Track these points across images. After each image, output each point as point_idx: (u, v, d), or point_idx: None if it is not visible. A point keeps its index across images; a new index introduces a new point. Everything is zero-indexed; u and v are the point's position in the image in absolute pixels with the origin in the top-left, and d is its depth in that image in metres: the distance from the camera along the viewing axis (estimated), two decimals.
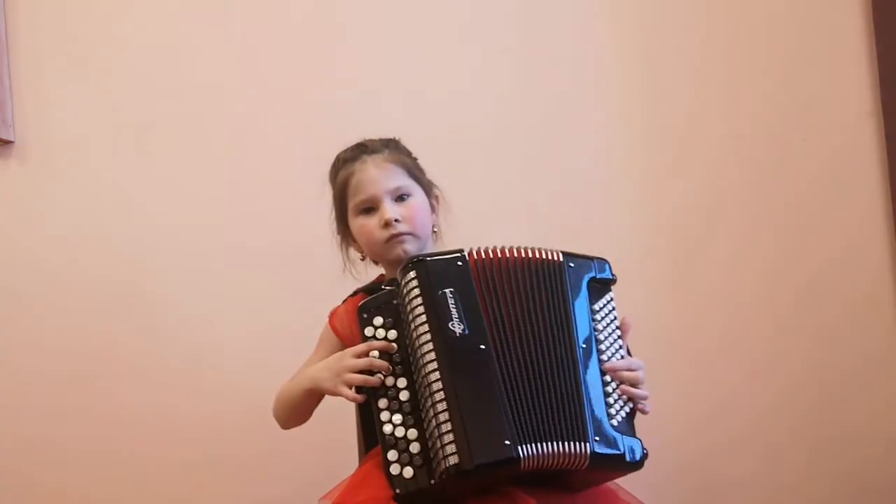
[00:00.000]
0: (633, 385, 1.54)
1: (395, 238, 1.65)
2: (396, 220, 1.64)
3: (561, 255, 1.57)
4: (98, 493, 2.25)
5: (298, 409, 1.68)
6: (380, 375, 1.50)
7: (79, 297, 2.29)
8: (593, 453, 1.43)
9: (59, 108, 2.33)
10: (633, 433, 1.51)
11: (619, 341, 1.58)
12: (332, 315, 1.72)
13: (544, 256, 1.56)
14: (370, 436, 1.66)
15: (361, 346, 1.53)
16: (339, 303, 1.73)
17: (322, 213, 2.21)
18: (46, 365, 2.28)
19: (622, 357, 1.56)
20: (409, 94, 2.26)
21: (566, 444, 1.42)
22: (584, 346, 1.51)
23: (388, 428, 1.48)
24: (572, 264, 1.56)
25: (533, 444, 1.41)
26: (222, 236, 2.28)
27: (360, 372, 1.51)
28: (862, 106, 2.17)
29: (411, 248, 1.65)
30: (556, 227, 2.20)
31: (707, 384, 2.19)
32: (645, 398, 1.54)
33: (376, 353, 1.52)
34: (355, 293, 1.71)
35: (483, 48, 2.27)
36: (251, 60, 2.31)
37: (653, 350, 2.15)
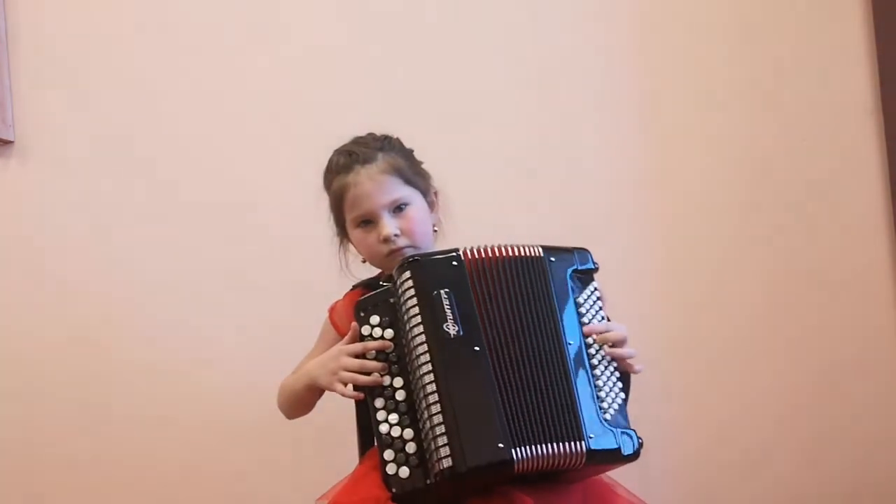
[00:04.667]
0: (618, 345, 1.53)
1: (395, 252, 1.63)
2: (396, 235, 1.63)
3: (541, 251, 1.54)
4: (97, 493, 2.25)
5: (299, 402, 1.69)
6: (375, 375, 1.50)
7: (79, 296, 2.29)
8: (589, 450, 1.43)
9: (59, 109, 2.33)
10: (626, 424, 1.49)
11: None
12: (332, 310, 1.72)
13: (525, 253, 1.53)
14: (366, 436, 1.67)
15: (357, 346, 1.52)
16: (340, 297, 1.73)
17: (320, 213, 2.23)
18: (46, 365, 2.28)
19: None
20: (409, 93, 2.26)
21: (562, 444, 1.42)
22: (571, 342, 1.49)
23: (384, 427, 1.47)
24: (553, 258, 1.54)
25: (528, 447, 1.41)
26: (223, 236, 2.28)
27: (356, 371, 1.51)
28: (862, 106, 2.17)
29: None
30: (559, 227, 2.20)
31: (706, 383, 2.19)
32: (631, 356, 1.53)
33: (373, 353, 1.51)
34: (354, 287, 1.71)
35: (486, 47, 2.27)
36: (250, 64, 2.30)
37: (652, 349, 2.16)
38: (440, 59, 2.28)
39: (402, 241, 1.63)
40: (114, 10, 2.34)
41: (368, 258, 1.70)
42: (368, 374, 1.50)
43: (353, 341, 1.54)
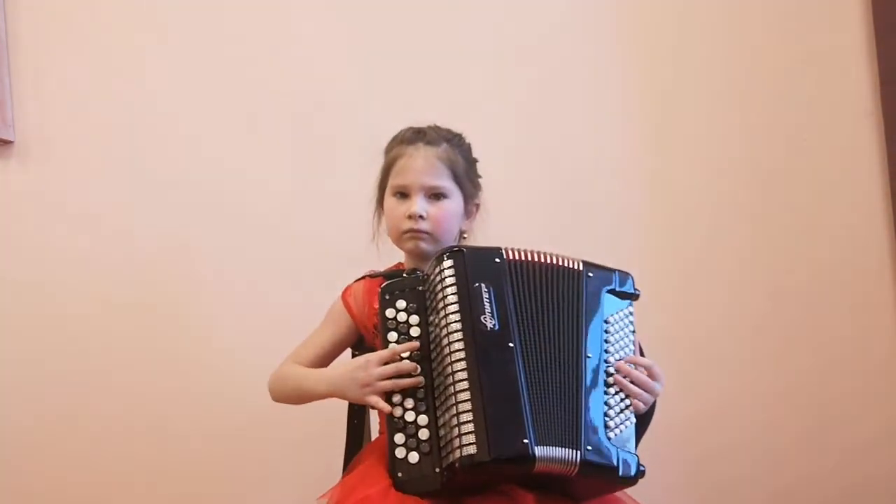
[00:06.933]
0: (637, 383, 1.53)
1: (412, 232, 1.66)
2: (421, 217, 1.65)
3: (581, 265, 1.57)
4: (96, 494, 2.25)
5: (304, 400, 1.68)
6: (409, 380, 1.49)
7: (79, 297, 2.29)
8: (583, 461, 1.43)
9: (59, 108, 2.33)
10: (631, 448, 1.50)
11: (630, 353, 1.57)
12: (347, 291, 1.72)
13: (564, 264, 1.56)
14: (355, 437, 1.70)
15: (386, 353, 1.51)
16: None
17: (325, 213, 2.24)
18: (46, 365, 2.28)
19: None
20: (409, 94, 2.26)
21: (559, 448, 1.42)
22: (590, 355, 1.51)
23: (398, 411, 1.48)
24: (591, 274, 1.56)
25: (544, 447, 1.42)
26: (224, 236, 2.28)
27: (392, 377, 1.50)
28: (862, 106, 2.17)
29: (426, 246, 1.67)
30: (559, 228, 2.20)
31: (708, 385, 2.19)
32: (638, 395, 1.53)
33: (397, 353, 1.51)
34: (374, 275, 1.71)
35: (492, 52, 2.27)
36: (255, 60, 2.31)
37: (654, 351, 2.16)
38: (440, 60, 2.28)
39: (424, 225, 1.66)
40: (114, 10, 2.34)
41: (390, 230, 1.72)
42: (403, 377, 1.50)
43: (386, 358, 1.52)
